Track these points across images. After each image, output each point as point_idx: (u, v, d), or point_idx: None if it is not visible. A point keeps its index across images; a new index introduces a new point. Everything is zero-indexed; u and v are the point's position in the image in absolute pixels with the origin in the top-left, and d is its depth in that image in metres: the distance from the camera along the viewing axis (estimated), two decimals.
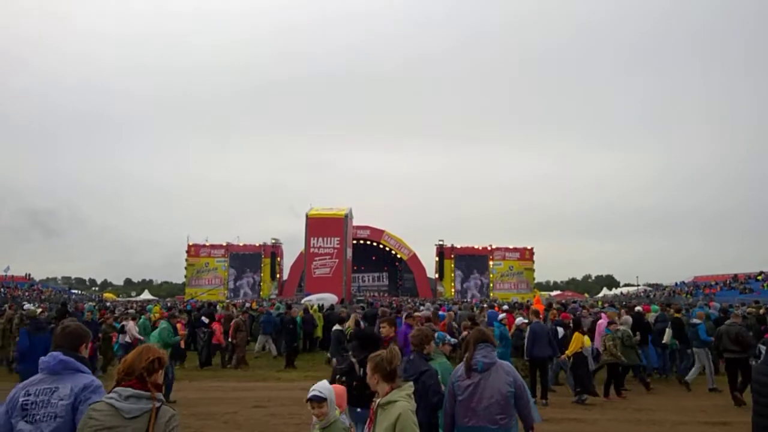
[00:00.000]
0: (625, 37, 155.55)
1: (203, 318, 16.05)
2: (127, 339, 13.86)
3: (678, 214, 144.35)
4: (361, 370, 4.92)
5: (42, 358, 3.08)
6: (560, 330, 11.22)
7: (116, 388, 2.66)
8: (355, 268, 57.55)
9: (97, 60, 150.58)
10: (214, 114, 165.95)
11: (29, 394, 2.97)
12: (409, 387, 3.46)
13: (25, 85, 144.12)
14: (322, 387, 3.59)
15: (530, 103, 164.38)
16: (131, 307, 24.76)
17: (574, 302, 28.32)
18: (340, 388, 4.14)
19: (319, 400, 3.51)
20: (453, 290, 56.68)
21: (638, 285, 67.51)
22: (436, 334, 5.46)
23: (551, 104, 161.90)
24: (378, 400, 3.41)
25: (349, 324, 14.41)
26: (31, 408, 2.93)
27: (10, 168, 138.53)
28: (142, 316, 15.70)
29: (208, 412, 9.25)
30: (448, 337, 5.89)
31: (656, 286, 60.18)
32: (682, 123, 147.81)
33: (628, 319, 12.08)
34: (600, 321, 12.13)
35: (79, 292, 70.14)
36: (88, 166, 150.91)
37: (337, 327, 11.52)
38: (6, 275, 55.16)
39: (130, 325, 14.04)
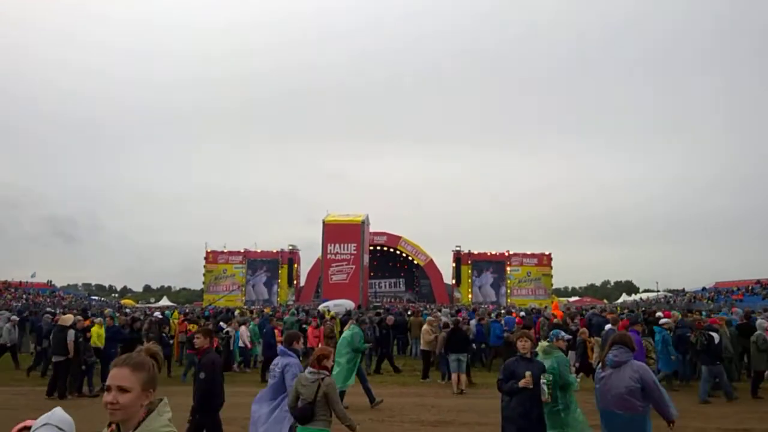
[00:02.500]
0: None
1: (221, 324, 16.31)
2: (240, 344, 14.74)
3: (699, 219, 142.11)
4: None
5: (279, 348, 6.44)
6: (715, 336, 10.67)
7: (308, 368, 5.19)
8: (371, 274, 57.56)
9: (114, 70, 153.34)
10: (234, 123, 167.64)
11: (275, 364, 6.13)
12: (165, 406, 2.14)
13: (47, 97, 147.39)
14: (57, 419, 2.35)
15: (549, 106, 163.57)
16: (152, 312, 25.10)
17: (593, 308, 27.99)
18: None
19: None
20: (470, 296, 56.41)
21: (658, 291, 66.48)
22: (552, 331, 6.35)
23: (571, 108, 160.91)
24: None
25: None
26: (272, 370, 6.18)
27: (33, 177, 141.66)
28: (252, 322, 16.06)
29: (227, 417, 9.31)
30: (562, 333, 6.52)
31: (677, 292, 59.24)
32: (700, 126, 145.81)
33: (763, 322, 11.35)
34: None
35: (99, 298, 71.13)
36: (108, 174, 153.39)
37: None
38: (32, 281, 56.53)
39: (243, 330, 14.93)
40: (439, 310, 23.69)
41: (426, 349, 13.67)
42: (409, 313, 21.79)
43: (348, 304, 29.52)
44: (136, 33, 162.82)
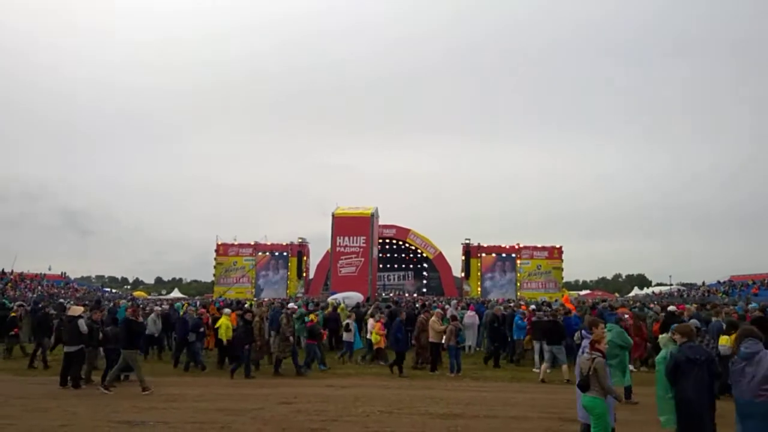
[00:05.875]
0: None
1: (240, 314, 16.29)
2: (368, 336, 15.06)
3: (713, 212, 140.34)
4: None
5: (582, 331, 7.06)
6: None
7: (587, 349, 6.21)
8: (380, 267, 57.61)
9: (126, 62, 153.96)
10: (245, 118, 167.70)
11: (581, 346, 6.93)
12: None
13: (60, 88, 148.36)
14: None
15: (560, 98, 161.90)
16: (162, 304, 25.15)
17: (603, 301, 27.75)
18: None
19: None
20: (479, 289, 56.30)
21: (671, 284, 65.85)
22: (672, 325, 7.17)
23: (581, 99, 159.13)
24: None
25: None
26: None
27: (47, 169, 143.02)
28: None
29: (236, 408, 9.38)
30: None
31: (690, 286, 58.64)
32: (717, 120, 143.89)
33: None
34: None
35: (112, 290, 71.88)
36: (122, 167, 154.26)
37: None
38: (48, 273, 57.52)
39: (371, 323, 15.19)
40: (448, 303, 23.63)
41: (434, 341, 13.59)
42: (417, 305, 21.69)
43: (356, 296, 29.49)
44: (141, 23, 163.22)
